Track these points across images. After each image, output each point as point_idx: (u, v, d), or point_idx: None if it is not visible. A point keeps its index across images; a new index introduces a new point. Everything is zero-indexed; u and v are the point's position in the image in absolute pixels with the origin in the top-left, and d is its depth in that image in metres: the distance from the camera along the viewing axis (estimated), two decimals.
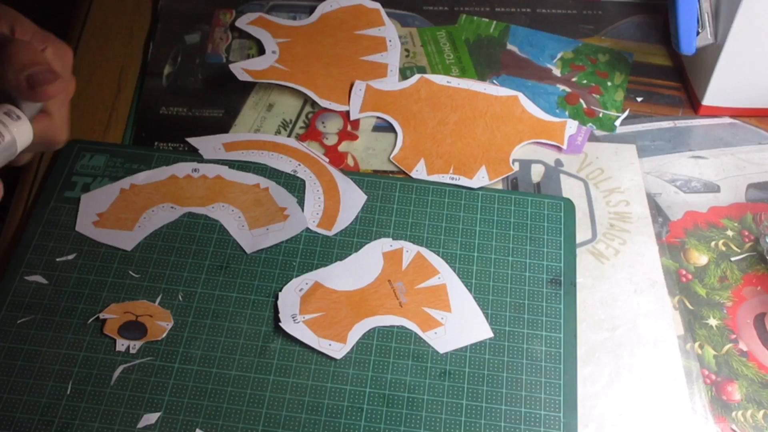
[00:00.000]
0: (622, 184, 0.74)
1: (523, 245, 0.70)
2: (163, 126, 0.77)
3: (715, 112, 0.80)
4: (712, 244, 0.71)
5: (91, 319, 0.64)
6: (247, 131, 0.77)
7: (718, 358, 0.64)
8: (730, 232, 0.71)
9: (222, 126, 0.77)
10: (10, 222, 0.71)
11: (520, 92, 0.81)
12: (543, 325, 0.65)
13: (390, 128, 0.78)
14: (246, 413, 0.60)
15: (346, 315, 0.64)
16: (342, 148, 0.76)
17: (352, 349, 0.63)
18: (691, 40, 0.77)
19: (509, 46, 0.86)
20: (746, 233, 0.71)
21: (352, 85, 0.80)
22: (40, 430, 0.59)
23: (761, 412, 0.62)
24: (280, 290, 0.66)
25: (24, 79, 0.55)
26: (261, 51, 0.83)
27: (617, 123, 0.79)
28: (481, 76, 0.83)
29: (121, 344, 0.63)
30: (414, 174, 0.74)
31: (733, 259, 0.70)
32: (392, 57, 0.84)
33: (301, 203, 0.71)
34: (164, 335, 0.63)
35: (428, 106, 0.79)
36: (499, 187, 0.74)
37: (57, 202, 0.71)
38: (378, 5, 0.88)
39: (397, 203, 0.72)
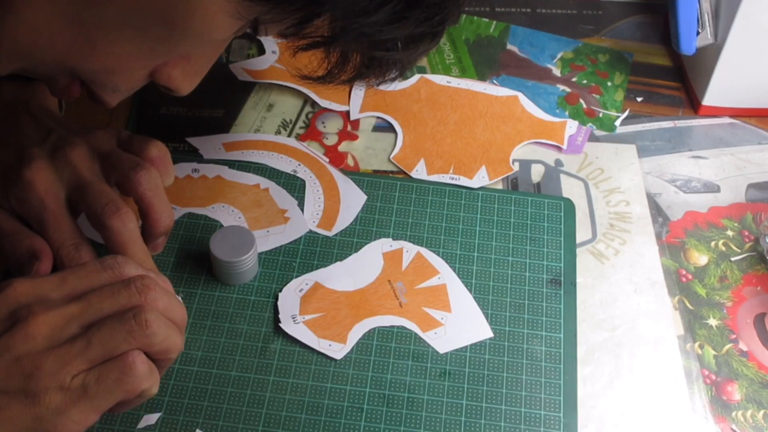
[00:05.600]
0: (622, 184, 0.74)
1: (523, 245, 0.70)
2: (163, 126, 0.77)
3: (715, 112, 0.80)
4: (712, 244, 0.71)
5: None
6: (247, 131, 0.77)
7: (718, 358, 0.64)
8: (730, 232, 0.71)
9: (222, 126, 0.77)
10: None
11: (520, 92, 0.81)
12: (543, 325, 0.65)
13: (390, 128, 0.78)
14: (246, 414, 0.60)
15: (346, 315, 0.64)
16: (342, 148, 0.76)
17: (352, 349, 0.63)
18: (691, 40, 0.77)
19: (509, 46, 0.86)
20: (746, 233, 0.71)
21: (351, 85, 0.80)
22: None
23: (761, 412, 0.62)
24: (280, 291, 0.66)
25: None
26: (261, 51, 0.83)
27: (617, 123, 0.79)
28: (481, 76, 0.83)
29: None
30: (414, 174, 0.74)
31: (733, 259, 0.70)
32: None
33: (301, 203, 0.71)
34: None
35: (428, 106, 0.79)
36: (499, 187, 0.74)
37: None
38: None
39: (397, 203, 0.72)
